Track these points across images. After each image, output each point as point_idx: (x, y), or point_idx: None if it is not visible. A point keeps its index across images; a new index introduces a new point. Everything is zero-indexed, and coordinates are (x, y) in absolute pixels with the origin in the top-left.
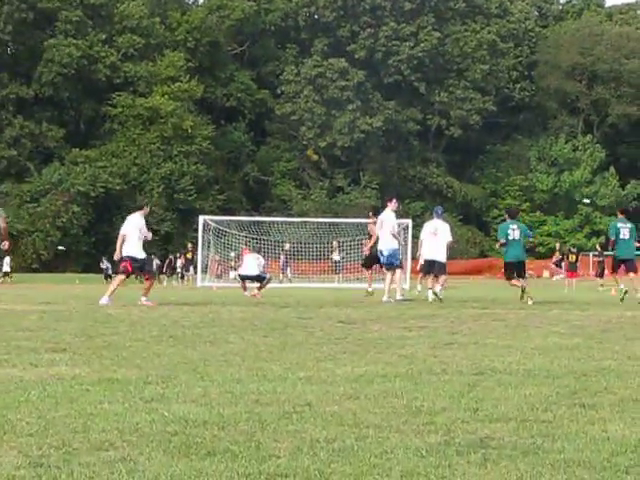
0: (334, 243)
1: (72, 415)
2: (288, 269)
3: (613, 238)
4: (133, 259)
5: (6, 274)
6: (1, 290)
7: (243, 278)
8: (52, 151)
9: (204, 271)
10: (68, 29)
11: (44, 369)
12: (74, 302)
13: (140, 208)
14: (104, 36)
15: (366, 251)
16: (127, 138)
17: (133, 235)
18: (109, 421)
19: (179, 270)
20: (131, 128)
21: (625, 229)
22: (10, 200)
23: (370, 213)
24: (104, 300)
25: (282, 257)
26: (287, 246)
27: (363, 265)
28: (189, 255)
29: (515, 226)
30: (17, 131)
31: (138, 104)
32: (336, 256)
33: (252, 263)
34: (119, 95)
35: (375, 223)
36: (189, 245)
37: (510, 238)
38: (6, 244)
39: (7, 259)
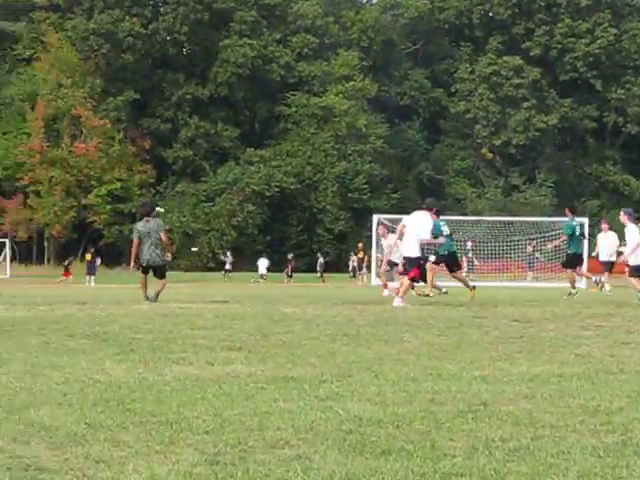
0: (528, 248)
1: (247, 413)
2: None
3: None
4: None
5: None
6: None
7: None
8: (227, 151)
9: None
10: (243, 29)
11: (220, 367)
12: (249, 301)
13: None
14: (278, 36)
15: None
16: (301, 137)
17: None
18: (284, 419)
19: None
20: (305, 127)
21: None
22: (186, 199)
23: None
24: (397, 302)
25: (468, 255)
26: (469, 244)
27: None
28: (360, 254)
29: None
30: (193, 131)
31: (312, 103)
32: (535, 253)
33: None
34: (293, 94)
35: None
36: (359, 245)
37: None
38: (169, 255)
39: (264, 261)
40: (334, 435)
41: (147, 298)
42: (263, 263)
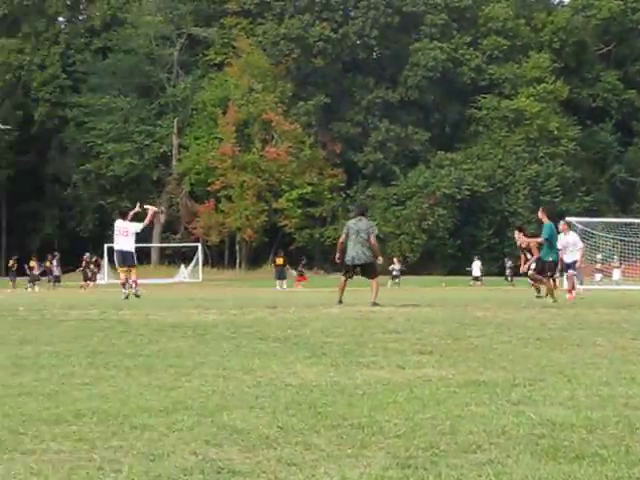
0: None
1: (439, 417)
2: None
3: None
4: None
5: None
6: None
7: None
8: (417, 154)
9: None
10: (433, 32)
11: (411, 371)
12: (439, 304)
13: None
14: (469, 39)
15: None
16: (492, 140)
17: None
18: (476, 423)
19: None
20: (496, 130)
21: None
22: (376, 203)
23: None
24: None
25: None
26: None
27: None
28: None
29: None
30: (383, 135)
31: (503, 106)
32: None
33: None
34: (484, 97)
35: None
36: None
37: None
38: (380, 259)
39: (478, 263)
40: (526, 439)
41: (340, 302)
42: (477, 265)
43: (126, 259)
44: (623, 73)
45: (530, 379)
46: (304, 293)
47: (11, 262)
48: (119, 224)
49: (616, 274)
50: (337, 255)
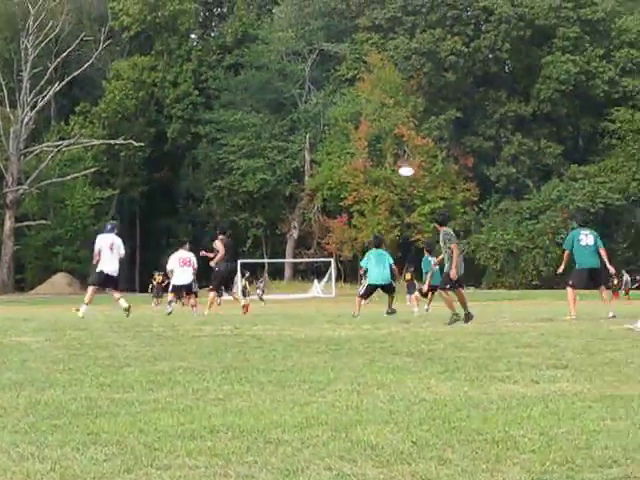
0: None
1: (574, 432)
2: None
3: None
4: None
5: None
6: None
7: None
8: (550, 167)
9: None
10: (565, 45)
11: (546, 385)
12: (575, 320)
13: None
14: (602, 51)
15: None
16: (626, 153)
17: None
18: (612, 438)
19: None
20: (630, 143)
21: None
22: (510, 217)
23: None
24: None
25: None
26: None
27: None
28: None
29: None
30: (516, 148)
31: (637, 118)
32: None
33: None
34: (617, 110)
35: None
36: None
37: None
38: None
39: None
40: None
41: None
42: (627, 278)
43: (189, 288)
44: None
45: None
46: (435, 308)
47: (157, 277)
48: (183, 254)
49: None
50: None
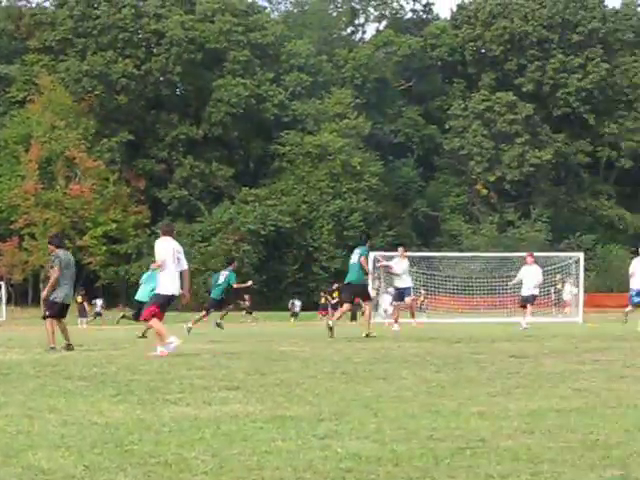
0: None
1: (246, 453)
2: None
3: None
4: None
5: (98, 314)
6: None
7: None
8: (222, 190)
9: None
10: (236, 69)
11: (218, 407)
12: (246, 340)
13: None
14: (272, 75)
15: None
16: (296, 176)
17: None
18: (283, 458)
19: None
20: (300, 166)
21: None
22: (182, 240)
23: None
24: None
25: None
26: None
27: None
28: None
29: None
30: (187, 171)
31: (306, 142)
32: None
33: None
34: (287, 133)
35: None
36: (334, 285)
37: None
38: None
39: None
40: (333, 474)
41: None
42: (298, 304)
43: None
44: (424, 109)
45: (336, 413)
46: (109, 331)
47: None
48: None
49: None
50: None
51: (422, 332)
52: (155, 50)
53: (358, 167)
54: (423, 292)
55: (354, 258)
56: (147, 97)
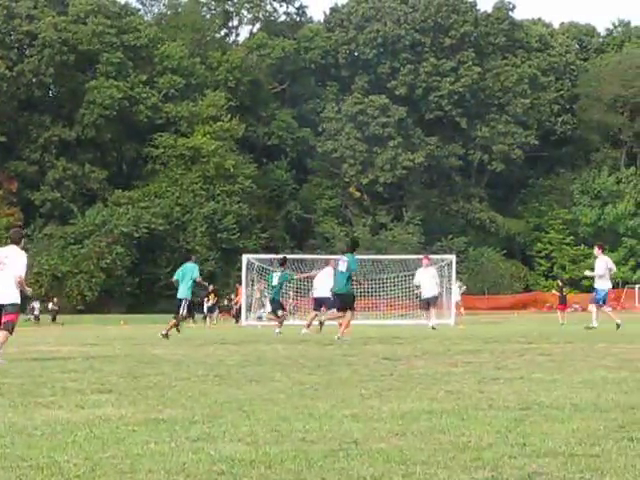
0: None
1: (119, 456)
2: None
3: None
4: None
5: (37, 318)
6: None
7: None
8: (95, 193)
9: (249, 309)
10: (109, 71)
11: (90, 410)
12: (119, 343)
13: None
14: (145, 77)
15: None
16: (169, 178)
17: None
18: (156, 461)
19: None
20: (173, 168)
21: None
22: (54, 242)
23: None
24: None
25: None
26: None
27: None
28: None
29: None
30: (60, 173)
31: (180, 144)
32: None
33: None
34: (161, 136)
35: None
36: (211, 287)
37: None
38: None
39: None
40: (206, 476)
41: None
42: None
43: None
44: (297, 111)
45: (209, 416)
46: None
47: None
48: None
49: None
50: None
51: (294, 335)
52: (27, 51)
53: (231, 169)
54: (292, 294)
55: (342, 266)
56: (19, 99)
